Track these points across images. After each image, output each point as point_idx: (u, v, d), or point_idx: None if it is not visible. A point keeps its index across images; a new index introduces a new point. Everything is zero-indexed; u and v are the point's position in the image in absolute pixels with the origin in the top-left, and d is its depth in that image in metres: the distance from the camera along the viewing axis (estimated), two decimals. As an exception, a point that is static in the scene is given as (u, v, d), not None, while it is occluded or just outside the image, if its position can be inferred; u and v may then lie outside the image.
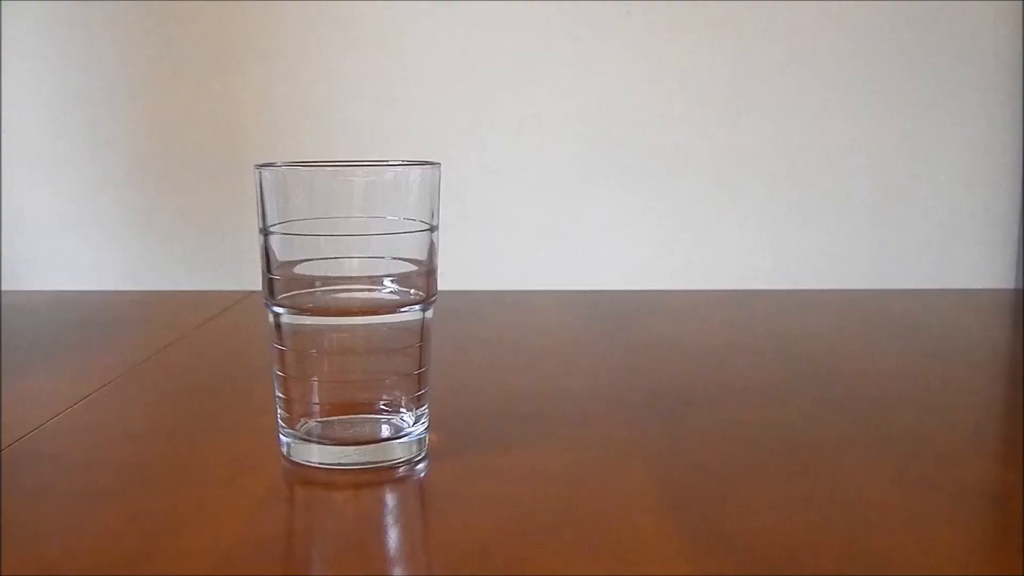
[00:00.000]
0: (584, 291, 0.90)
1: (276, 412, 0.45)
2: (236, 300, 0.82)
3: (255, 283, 0.45)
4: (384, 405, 0.45)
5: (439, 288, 0.45)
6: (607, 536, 0.37)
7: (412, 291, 0.45)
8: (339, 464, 0.43)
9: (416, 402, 0.45)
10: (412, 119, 0.98)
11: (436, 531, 0.39)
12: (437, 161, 0.45)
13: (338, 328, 0.44)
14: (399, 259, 0.44)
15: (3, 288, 1.01)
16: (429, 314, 0.45)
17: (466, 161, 0.98)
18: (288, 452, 0.45)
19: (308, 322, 0.44)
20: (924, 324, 0.76)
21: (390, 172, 0.45)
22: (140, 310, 0.87)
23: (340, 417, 0.45)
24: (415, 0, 0.97)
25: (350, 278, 0.43)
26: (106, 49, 1.01)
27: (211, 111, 1.02)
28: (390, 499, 0.42)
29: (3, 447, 0.46)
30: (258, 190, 0.43)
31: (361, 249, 0.43)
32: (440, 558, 0.37)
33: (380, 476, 0.43)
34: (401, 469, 0.44)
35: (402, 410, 0.45)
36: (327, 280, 0.44)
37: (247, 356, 0.66)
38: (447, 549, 0.37)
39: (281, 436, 0.45)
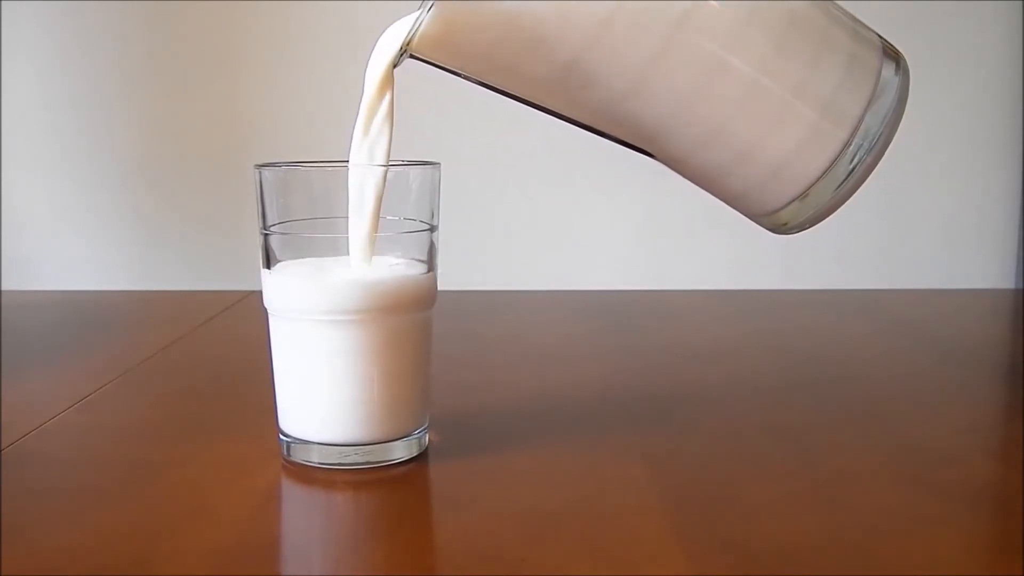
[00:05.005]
0: (584, 291, 0.90)
1: (276, 412, 0.45)
2: (236, 300, 0.82)
3: (255, 283, 0.45)
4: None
5: (439, 288, 0.45)
6: (607, 536, 0.37)
7: (412, 291, 0.44)
8: (339, 464, 0.43)
9: (416, 402, 0.45)
10: (412, 119, 0.98)
11: (436, 531, 0.39)
12: (437, 161, 0.45)
13: (338, 328, 0.44)
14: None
15: (3, 288, 1.01)
16: (429, 314, 0.45)
17: (466, 161, 0.98)
18: (288, 452, 0.45)
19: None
20: (924, 324, 0.76)
21: (390, 172, 0.45)
22: (140, 310, 0.87)
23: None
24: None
25: (350, 278, 0.43)
26: (106, 49, 1.01)
27: (211, 111, 1.02)
28: (390, 499, 0.42)
29: (3, 447, 0.46)
30: (258, 190, 0.44)
31: (361, 249, 0.43)
32: (440, 558, 0.37)
33: (380, 476, 0.43)
34: (401, 469, 0.44)
35: (402, 410, 0.45)
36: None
37: (247, 356, 0.65)
38: (447, 549, 0.37)
39: (281, 436, 0.45)
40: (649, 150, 0.43)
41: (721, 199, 0.44)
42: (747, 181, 0.42)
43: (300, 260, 0.44)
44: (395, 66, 0.40)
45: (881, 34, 0.42)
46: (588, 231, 1.02)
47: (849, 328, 0.76)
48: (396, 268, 0.43)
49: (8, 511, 0.39)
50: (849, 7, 0.42)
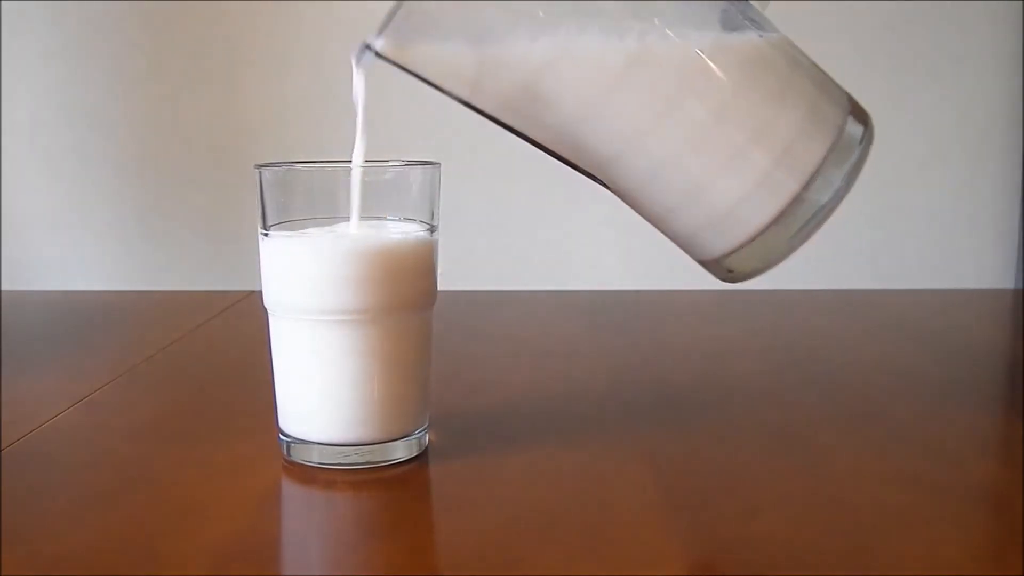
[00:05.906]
0: (584, 291, 0.90)
1: (276, 412, 0.45)
2: (236, 300, 0.82)
3: (255, 283, 0.45)
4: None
5: (439, 288, 0.45)
6: (607, 536, 0.37)
7: (412, 291, 0.44)
8: (339, 464, 0.43)
9: (416, 402, 0.45)
10: (412, 119, 0.98)
11: (436, 531, 0.39)
12: (437, 161, 0.45)
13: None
14: (399, 259, 0.44)
15: (3, 288, 1.01)
16: (429, 314, 0.45)
17: (466, 161, 0.98)
18: (288, 452, 0.45)
19: (308, 322, 0.44)
20: (924, 324, 0.76)
21: (390, 172, 0.45)
22: (140, 310, 0.86)
23: (340, 417, 0.45)
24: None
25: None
26: (107, 49, 1.01)
27: (211, 111, 1.02)
28: (390, 499, 0.42)
29: (3, 447, 0.46)
30: (258, 190, 0.44)
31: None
32: (440, 558, 0.37)
33: (380, 476, 0.43)
34: (401, 469, 0.44)
35: (402, 410, 0.45)
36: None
37: (247, 356, 0.65)
38: (447, 549, 0.37)
39: (281, 436, 0.45)
40: (602, 179, 0.42)
41: (671, 238, 0.42)
42: (694, 222, 0.40)
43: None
44: (358, 62, 0.40)
45: (852, 95, 0.41)
46: (588, 231, 1.02)
47: (848, 328, 0.76)
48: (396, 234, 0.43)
49: (8, 511, 0.39)
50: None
